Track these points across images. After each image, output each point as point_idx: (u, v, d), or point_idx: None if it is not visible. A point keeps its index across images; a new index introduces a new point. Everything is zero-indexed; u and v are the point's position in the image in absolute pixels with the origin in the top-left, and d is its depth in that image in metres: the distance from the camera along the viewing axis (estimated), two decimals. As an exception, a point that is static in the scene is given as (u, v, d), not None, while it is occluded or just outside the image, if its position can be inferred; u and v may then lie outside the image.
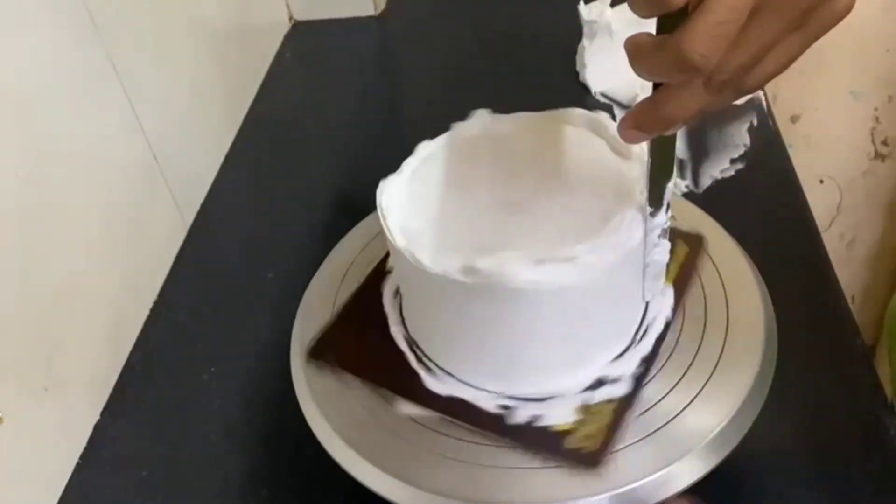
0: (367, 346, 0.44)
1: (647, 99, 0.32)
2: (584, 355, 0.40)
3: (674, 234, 0.43)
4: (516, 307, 0.37)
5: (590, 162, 0.42)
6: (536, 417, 0.39)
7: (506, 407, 0.39)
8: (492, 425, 0.39)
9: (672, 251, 0.41)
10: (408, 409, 0.40)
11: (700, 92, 0.30)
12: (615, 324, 0.41)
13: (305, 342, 0.45)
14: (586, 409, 0.39)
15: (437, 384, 0.41)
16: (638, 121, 0.33)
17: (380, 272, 0.47)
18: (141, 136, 0.59)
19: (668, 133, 0.33)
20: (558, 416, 0.39)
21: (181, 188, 0.64)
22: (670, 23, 0.28)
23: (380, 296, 0.46)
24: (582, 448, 0.37)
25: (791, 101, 1.11)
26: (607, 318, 0.40)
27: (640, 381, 0.40)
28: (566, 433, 0.38)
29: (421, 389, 0.41)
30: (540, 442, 0.38)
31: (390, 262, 0.46)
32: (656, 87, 0.32)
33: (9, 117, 0.45)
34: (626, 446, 0.37)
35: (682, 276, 0.44)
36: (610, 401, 0.39)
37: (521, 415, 0.39)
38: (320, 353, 0.44)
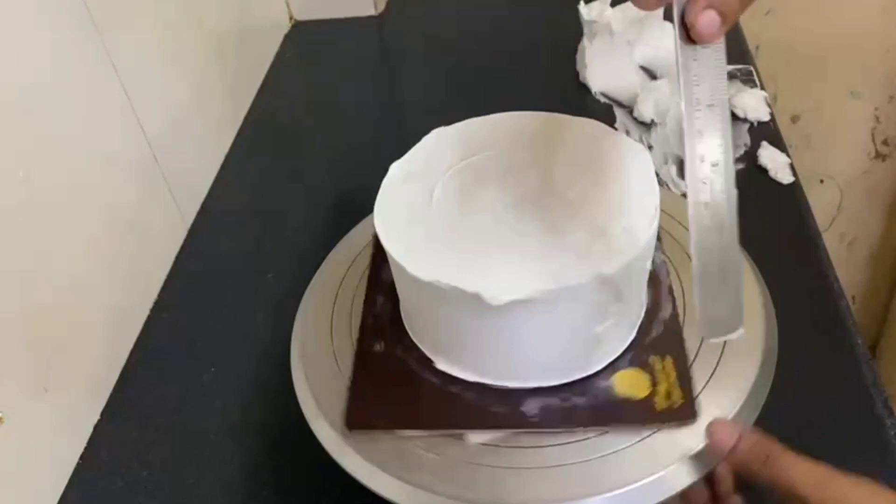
0: (406, 391, 0.41)
1: None
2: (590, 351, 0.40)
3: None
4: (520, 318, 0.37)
5: (594, 164, 0.42)
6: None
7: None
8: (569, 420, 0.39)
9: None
10: (478, 438, 0.39)
11: None
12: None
13: (306, 342, 0.45)
14: (652, 370, 0.40)
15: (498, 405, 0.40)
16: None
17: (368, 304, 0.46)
18: (141, 136, 0.59)
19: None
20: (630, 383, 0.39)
21: (181, 188, 0.64)
22: None
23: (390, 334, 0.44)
24: (672, 405, 0.38)
25: (791, 101, 1.11)
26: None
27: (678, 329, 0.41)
28: (649, 398, 0.38)
29: (484, 415, 0.40)
30: (632, 416, 0.38)
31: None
32: None
33: (9, 117, 0.45)
34: (626, 447, 0.37)
35: None
36: (664, 354, 0.40)
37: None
38: (360, 421, 0.40)
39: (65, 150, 0.50)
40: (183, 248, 0.64)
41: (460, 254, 0.38)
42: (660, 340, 0.41)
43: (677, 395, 0.38)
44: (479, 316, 0.37)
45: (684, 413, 0.38)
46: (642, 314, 0.43)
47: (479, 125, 0.46)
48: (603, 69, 0.75)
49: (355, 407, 0.40)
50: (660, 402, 0.38)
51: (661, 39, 0.75)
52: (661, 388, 0.39)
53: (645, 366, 0.40)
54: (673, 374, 0.39)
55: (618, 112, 0.72)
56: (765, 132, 0.67)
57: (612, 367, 0.41)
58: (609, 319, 0.39)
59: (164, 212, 0.63)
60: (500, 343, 0.39)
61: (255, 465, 0.48)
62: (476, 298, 0.36)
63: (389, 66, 0.89)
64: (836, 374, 0.48)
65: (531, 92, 0.77)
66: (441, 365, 0.41)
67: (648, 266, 0.41)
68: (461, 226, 0.40)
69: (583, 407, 0.39)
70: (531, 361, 0.40)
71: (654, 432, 0.38)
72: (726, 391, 0.39)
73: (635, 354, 0.41)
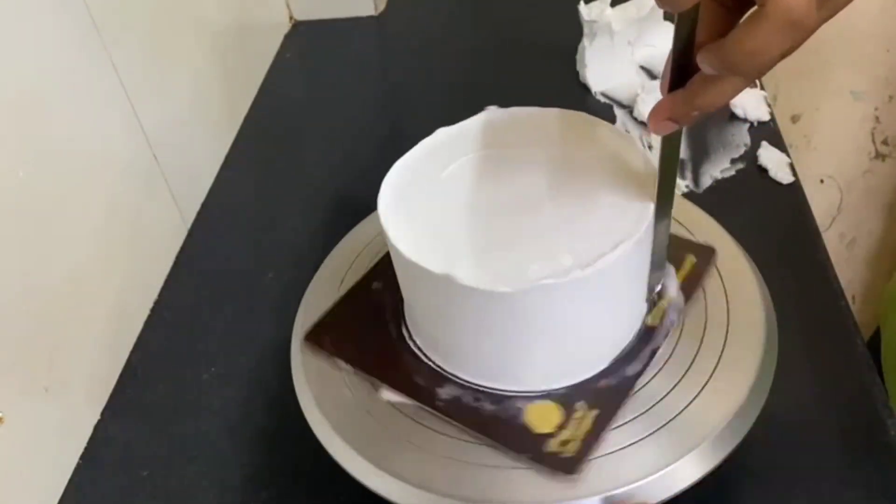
0: (363, 335, 0.45)
1: (683, 90, 0.32)
2: (576, 359, 0.40)
3: (684, 245, 0.44)
4: (508, 310, 0.37)
5: (596, 159, 0.42)
6: (518, 412, 0.39)
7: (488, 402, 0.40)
8: (471, 420, 0.39)
9: (681, 261, 0.42)
10: (389, 395, 0.41)
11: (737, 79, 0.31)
12: (612, 327, 0.41)
13: (305, 342, 0.45)
14: (570, 414, 0.39)
15: (422, 378, 0.41)
16: (673, 111, 0.33)
17: (381, 266, 0.47)
18: (141, 136, 0.59)
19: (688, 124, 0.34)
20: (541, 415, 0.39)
21: (181, 188, 0.64)
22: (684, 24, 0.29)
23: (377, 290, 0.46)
24: (561, 453, 0.37)
25: (791, 101, 1.10)
26: (604, 321, 0.40)
27: (623, 394, 0.39)
28: (547, 436, 0.38)
29: (406, 381, 0.41)
30: (519, 442, 0.38)
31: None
32: (681, 80, 0.32)
33: (9, 117, 0.45)
34: (626, 446, 0.37)
35: (687, 287, 0.44)
36: (593, 407, 0.39)
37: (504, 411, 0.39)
38: (317, 337, 0.45)
39: (65, 150, 0.50)
40: (183, 248, 0.64)
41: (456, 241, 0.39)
42: (607, 390, 0.40)
43: (572, 448, 0.37)
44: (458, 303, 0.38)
45: (566, 465, 0.36)
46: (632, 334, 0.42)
47: (487, 121, 0.46)
48: (603, 69, 0.75)
49: (320, 329, 0.45)
50: (552, 445, 0.37)
51: (661, 39, 0.76)
52: (564, 435, 0.38)
53: (568, 406, 0.39)
54: (585, 429, 0.38)
55: (618, 112, 0.72)
56: (765, 132, 0.67)
57: (547, 395, 0.40)
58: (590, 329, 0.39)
59: (164, 212, 0.63)
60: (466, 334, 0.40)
61: (255, 466, 0.48)
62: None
63: (389, 66, 0.89)
64: (836, 374, 0.48)
65: (531, 92, 0.77)
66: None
67: (643, 274, 0.41)
68: (462, 216, 0.40)
69: (487, 412, 0.39)
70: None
71: (651, 433, 0.38)
72: (725, 391, 0.39)
73: (578, 389, 0.40)
